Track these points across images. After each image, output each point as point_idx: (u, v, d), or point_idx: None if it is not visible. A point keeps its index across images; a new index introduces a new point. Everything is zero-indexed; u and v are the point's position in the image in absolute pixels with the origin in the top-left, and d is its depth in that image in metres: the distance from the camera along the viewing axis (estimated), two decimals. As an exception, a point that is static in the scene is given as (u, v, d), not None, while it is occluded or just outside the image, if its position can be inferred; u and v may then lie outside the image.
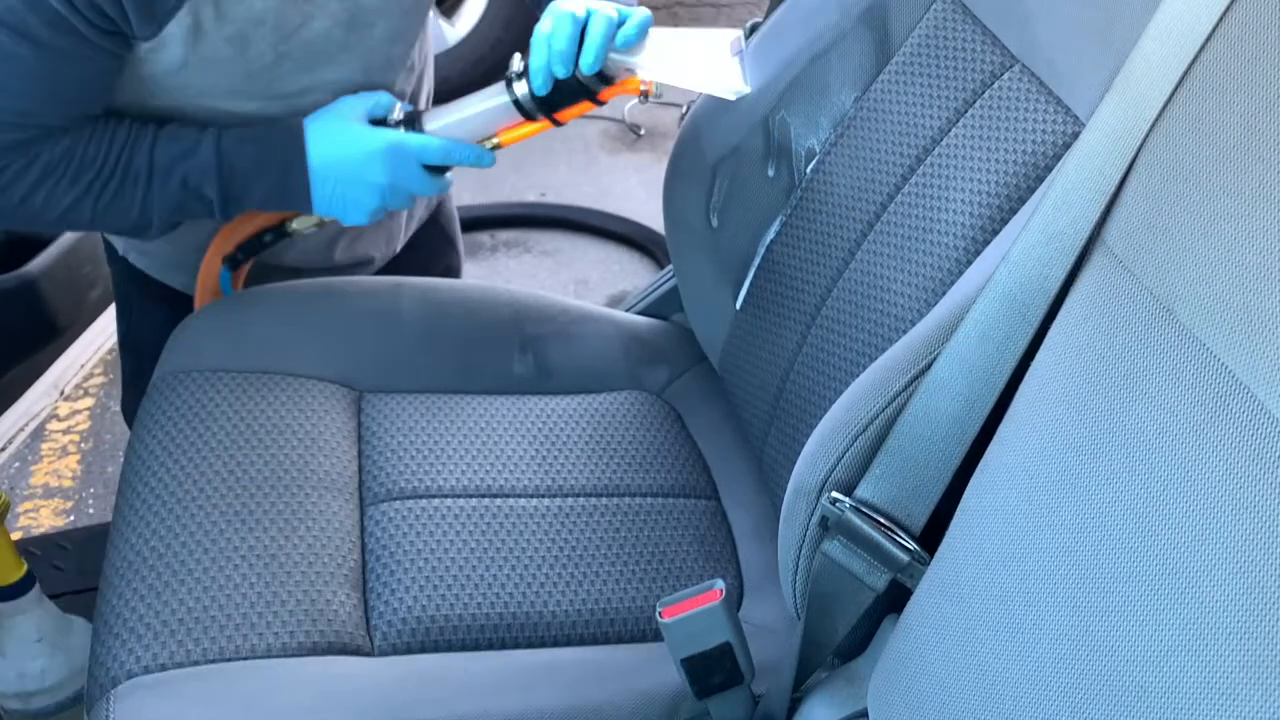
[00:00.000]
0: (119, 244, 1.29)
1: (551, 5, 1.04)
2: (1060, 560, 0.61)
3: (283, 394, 1.11)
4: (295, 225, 1.19)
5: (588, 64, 1.01)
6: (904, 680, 0.72)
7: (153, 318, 1.30)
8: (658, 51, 1.04)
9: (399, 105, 1.10)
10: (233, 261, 1.21)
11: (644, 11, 1.05)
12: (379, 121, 1.09)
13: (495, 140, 1.10)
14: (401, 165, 1.08)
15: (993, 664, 0.63)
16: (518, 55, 1.07)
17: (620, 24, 1.03)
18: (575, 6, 1.02)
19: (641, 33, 1.03)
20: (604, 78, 1.05)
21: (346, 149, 1.07)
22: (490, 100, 1.08)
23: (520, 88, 1.06)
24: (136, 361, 1.38)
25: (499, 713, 0.87)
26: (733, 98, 1.05)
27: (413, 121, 1.09)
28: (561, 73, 1.03)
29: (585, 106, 1.08)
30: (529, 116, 1.08)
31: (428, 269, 1.40)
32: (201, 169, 1.05)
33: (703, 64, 1.06)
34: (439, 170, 1.11)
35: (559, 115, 1.08)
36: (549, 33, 1.02)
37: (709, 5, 3.56)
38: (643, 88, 1.08)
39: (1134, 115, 0.68)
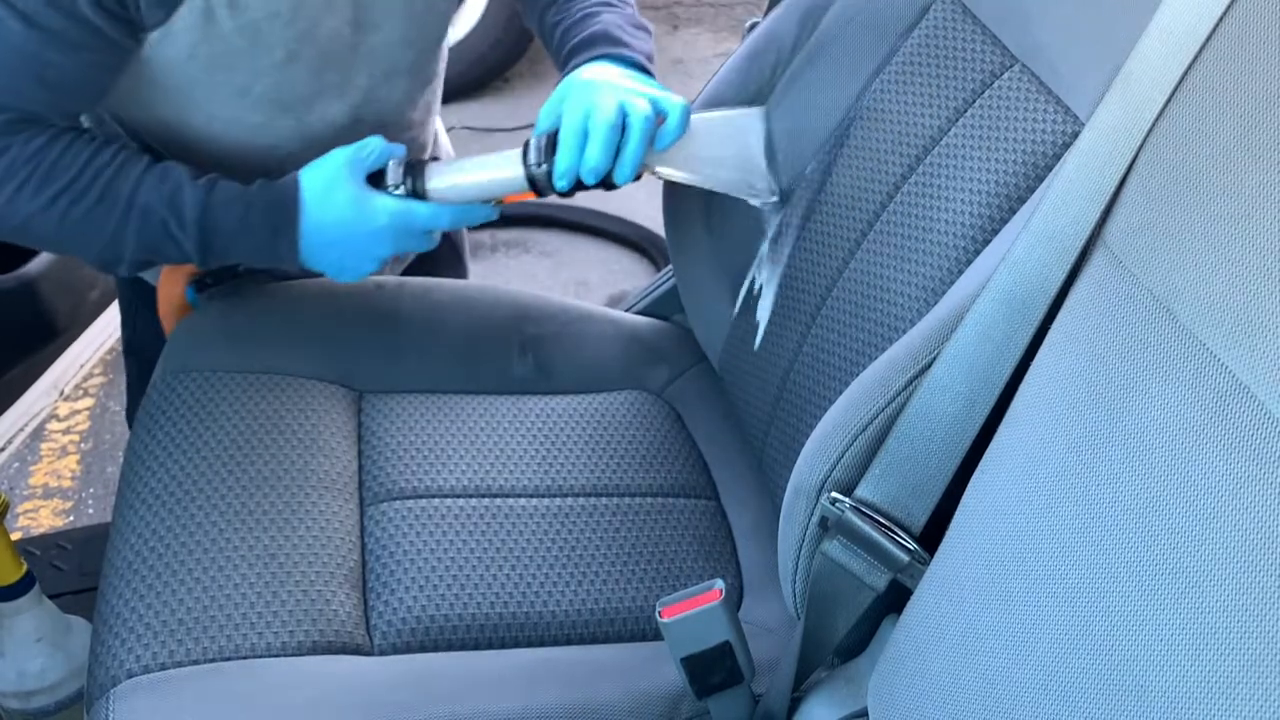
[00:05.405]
0: None
1: (585, 98, 0.97)
2: (1060, 560, 0.61)
3: (283, 394, 1.11)
4: None
5: (622, 178, 0.98)
6: (904, 680, 0.72)
7: (154, 324, 1.27)
8: (687, 149, 1.00)
9: (393, 161, 1.03)
10: (200, 284, 1.18)
11: (680, 105, 0.99)
12: (376, 178, 1.03)
13: (496, 199, 1.06)
14: (407, 236, 1.03)
15: (992, 663, 0.63)
16: (536, 140, 1.00)
17: (655, 117, 0.97)
18: (609, 108, 0.96)
19: (679, 130, 0.98)
20: None
21: (348, 222, 1.01)
22: (503, 172, 1.02)
23: (538, 173, 1.00)
24: (139, 367, 1.37)
25: (499, 712, 0.87)
26: (769, 206, 1.01)
27: (411, 178, 1.02)
28: (591, 181, 0.98)
29: (601, 189, 1.02)
30: (541, 195, 1.02)
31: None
32: (181, 221, 0.99)
33: (734, 164, 1.02)
34: None
35: (571, 194, 1.03)
36: (583, 142, 0.96)
37: (709, 5, 3.57)
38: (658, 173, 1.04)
39: (1134, 115, 0.68)
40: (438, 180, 1.03)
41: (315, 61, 1.04)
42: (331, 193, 1.01)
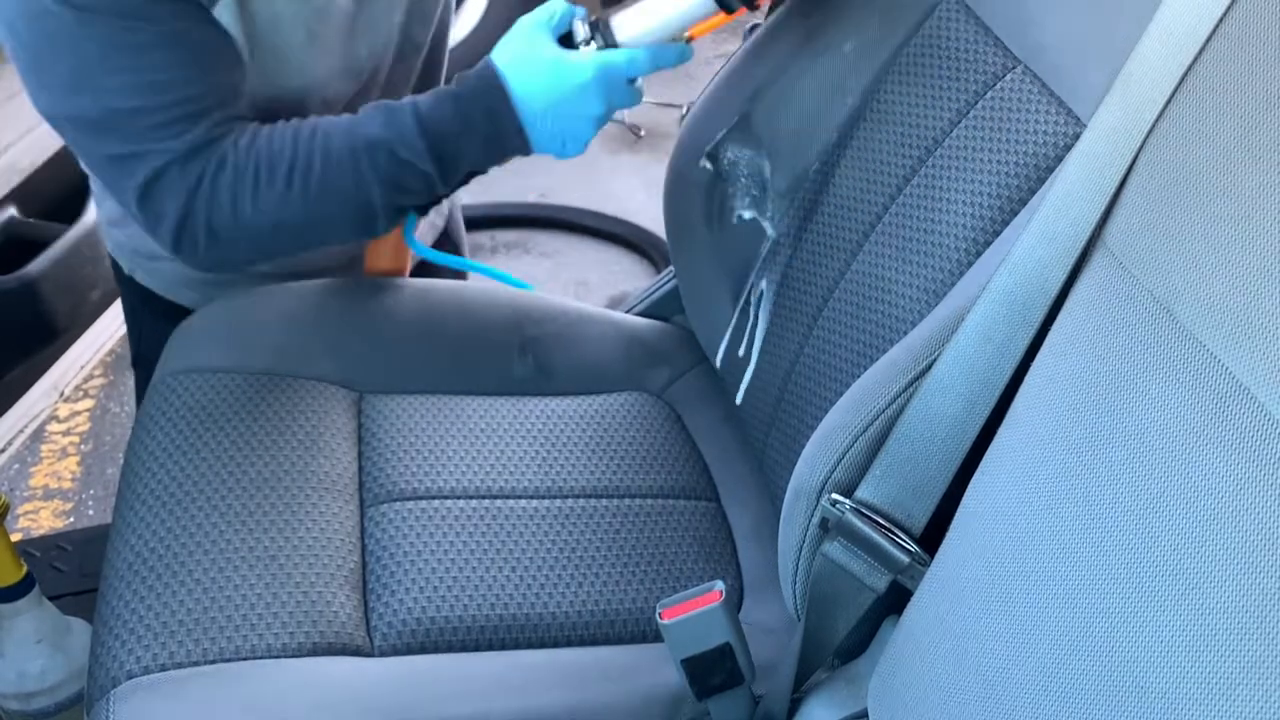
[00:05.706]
0: (125, 262, 1.28)
1: None
2: (1060, 561, 0.61)
3: (283, 395, 1.11)
4: None
5: None
6: (904, 681, 0.72)
7: (162, 334, 1.26)
8: None
9: (578, 19, 1.02)
10: (422, 207, 1.16)
11: None
12: (566, 39, 1.02)
13: (686, 35, 1.04)
14: (614, 88, 1.01)
15: (992, 664, 0.63)
16: None
17: None
18: None
19: None
20: None
21: (556, 84, 0.99)
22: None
23: None
24: (148, 377, 1.36)
25: (499, 713, 0.87)
26: None
27: (600, 30, 1.02)
28: None
29: None
30: (729, 10, 1.00)
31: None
32: (408, 140, 1.00)
33: None
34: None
35: (759, 2, 1.00)
36: None
37: (709, 7, 3.56)
38: None
39: (1134, 116, 0.68)
40: (626, 28, 1.02)
41: (327, 40, 1.05)
42: (530, 61, 1.00)
